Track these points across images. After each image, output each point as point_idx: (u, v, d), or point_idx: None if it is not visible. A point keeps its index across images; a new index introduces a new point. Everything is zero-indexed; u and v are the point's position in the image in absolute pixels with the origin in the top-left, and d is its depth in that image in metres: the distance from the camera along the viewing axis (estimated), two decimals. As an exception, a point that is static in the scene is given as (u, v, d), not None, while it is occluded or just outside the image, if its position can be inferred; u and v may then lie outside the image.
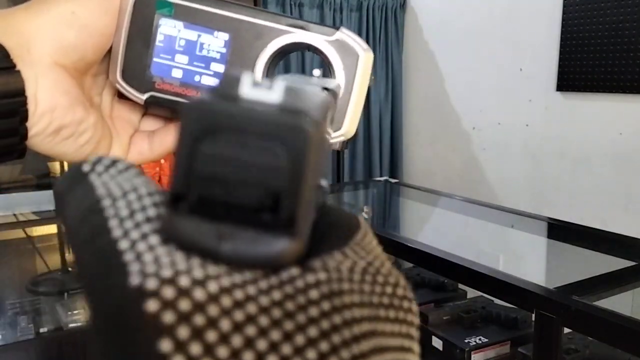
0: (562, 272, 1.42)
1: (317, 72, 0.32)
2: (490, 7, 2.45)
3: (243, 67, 0.32)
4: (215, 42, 0.32)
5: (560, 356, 0.94)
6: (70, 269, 2.03)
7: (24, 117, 0.29)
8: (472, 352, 1.17)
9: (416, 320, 0.16)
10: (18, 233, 1.95)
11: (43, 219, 1.92)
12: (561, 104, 2.20)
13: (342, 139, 0.33)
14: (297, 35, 0.32)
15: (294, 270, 0.13)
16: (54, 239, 2.09)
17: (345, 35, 0.32)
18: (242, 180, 0.13)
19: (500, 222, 1.68)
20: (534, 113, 2.30)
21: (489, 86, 2.48)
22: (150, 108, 0.35)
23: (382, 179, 2.26)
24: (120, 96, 0.34)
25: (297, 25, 0.32)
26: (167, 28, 0.32)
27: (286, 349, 0.12)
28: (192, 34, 0.32)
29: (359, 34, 2.88)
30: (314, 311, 0.13)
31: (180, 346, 0.11)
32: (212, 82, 0.32)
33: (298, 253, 0.13)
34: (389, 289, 0.15)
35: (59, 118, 0.30)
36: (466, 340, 1.19)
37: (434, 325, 1.25)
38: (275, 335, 0.12)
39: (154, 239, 0.13)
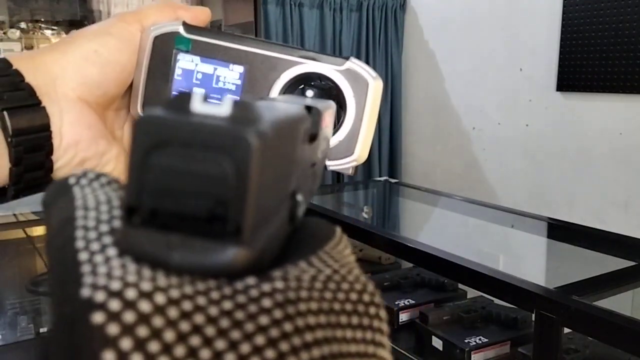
0: (562, 272, 1.42)
1: (309, 92, 0.34)
2: (490, 7, 2.44)
3: (259, 91, 0.34)
4: (230, 75, 0.34)
5: (560, 356, 0.94)
6: None
7: (49, 151, 0.30)
8: (472, 352, 1.17)
9: (384, 326, 0.16)
10: (18, 233, 1.95)
11: (43, 219, 1.91)
12: (561, 104, 2.20)
13: (354, 164, 0.34)
14: (309, 66, 0.33)
15: (250, 280, 0.14)
16: (54, 239, 2.09)
17: (355, 64, 0.33)
18: (191, 191, 0.13)
19: (500, 222, 1.68)
20: (534, 113, 2.30)
21: (489, 86, 2.48)
22: None
23: (382, 179, 2.26)
24: None
25: (308, 56, 0.33)
26: (185, 63, 0.34)
27: (229, 357, 0.12)
28: (208, 68, 0.34)
29: (359, 34, 2.88)
30: (264, 320, 0.13)
31: (122, 357, 0.12)
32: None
33: (249, 262, 0.14)
34: (353, 296, 0.16)
35: (83, 151, 0.32)
36: (466, 340, 1.19)
37: (434, 325, 1.25)
38: (220, 344, 0.12)
39: (112, 251, 0.14)
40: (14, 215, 1.87)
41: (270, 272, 0.15)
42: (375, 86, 0.34)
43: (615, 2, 1.95)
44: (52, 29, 2.07)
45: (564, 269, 1.48)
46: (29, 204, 1.90)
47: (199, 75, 0.34)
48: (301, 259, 0.16)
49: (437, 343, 1.22)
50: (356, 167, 0.35)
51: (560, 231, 1.52)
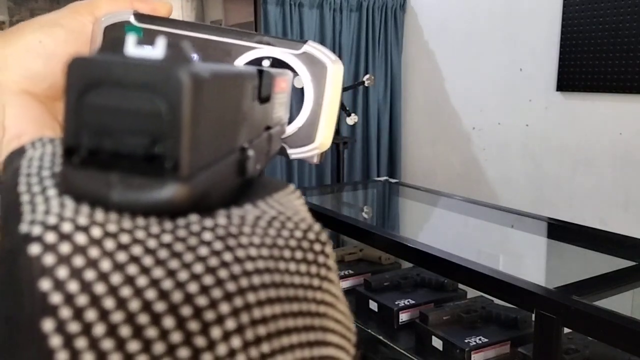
0: (562, 272, 1.42)
1: (265, 62, 0.32)
2: (490, 7, 2.44)
3: None
4: None
5: (560, 356, 0.94)
6: None
7: None
8: (472, 352, 1.17)
9: (330, 262, 0.17)
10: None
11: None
12: (561, 104, 2.20)
13: (317, 151, 0.33)
14: (264, 51, 0.32)
15: (193, 217, 0.14)
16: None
17: (312, 48, 0.32)
18: (127, 130, 0.14)
19: (500, 222, 1.68)
20: (534, 113, 2.30)
21: (489, 86, 2.48)
22: None
23: (381, 179, 2.26)
24: None
25: (263, 41, 0.32)
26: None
27: (167, 284, 0.13)
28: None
29: (359, 34, 2.87)
30: (203, 250, 0.14)
31: (59, 285, 0.12)
32: None
33: (188, 198, 0.14)
34: (298, 233, 0.16)
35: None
36: (466, 340, 1.19)
37: (434, 325, 1.25)
38: (158, 272, 0.13)
39: (52, 192, 0.14)
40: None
41: (215, 211, 0.15)
42: (335, 70, 0.32)
43: (615, 2, 1.95)
44: (52, 29, 2.07)
45: (564, 269, 1.48)
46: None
47: None
48: (247, 202, 0.16)
49: (437, 343, 1.22)
50: (321, 155, 0.33)
51: (560, 231, 1.52)
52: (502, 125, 2.44)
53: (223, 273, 0.14)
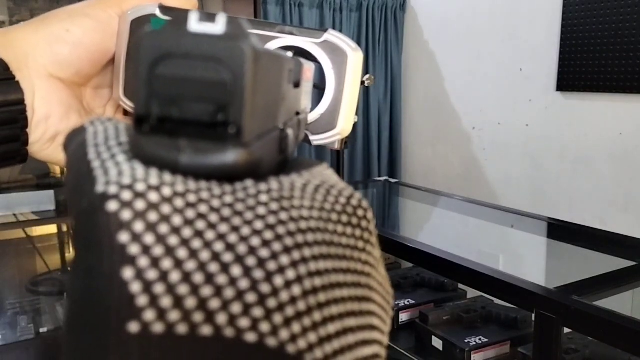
0: (562, 272, 1.42)
1: (289, 53, 0.32)
2: (490, 7, 2.44)
3: None
4: None
5: (560, 356, 0.94)
6: (70, 268, 2.03)
7: (25, 124, 0.31)
8: (472, 352, 1.17)
9: (372, 227, 0.18)
10: (18, 233, 1.95)
11: (43, 219, 1.91)
12: (561, 104, 2.20)
13: (338, 137, 0.34)
14: (286, 40, 0.33)
15: (249, 182, 0.16)
16: (54, 239, 2.09)
17: (333, 36, 0.33)
18: (194, 98, 0.15)
19: (500, 222, 1.68)
20: (534, 113, 2.30)
21: (489, 86, 2.48)
22: None
23: (382, 178, 2.26)
24: (126, 113, 0.35)
25: (285, 31, 0.33)
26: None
27: (232, 238, 0.14)
28: None
29: (359, 34, 2.86)
30: (261, 210, 0.15)
31: (136, 237, 0.13)
32: None
33: (248, 163, 0.15)
34: (342, 200, 0.18)
35: (53, 125, 0.32)
36: (466, 340, 1.19)
37: (434, 325, 1.25)
38: (223, 228, 0.14)
39: (121, 157, 0.16)
40: (14, 215, 1.87)
41: (266, 177, 0.17)
42: (355, 58, 0.33)
43: (615, 2, 1.95)
44: (52, 29, 2.07)
45: (564, 269, 1.48)
46: (29, 204, 1.90)
47: None
48: (293, 173, 0.18)
49: (437, 343, 1.22)
50: (342, 142, 0.34)
51: (560, 231, 1.52)
52: (502, 125, 2.44)
53: (281, 229, 0.15)
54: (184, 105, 0.15)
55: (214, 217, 0.14)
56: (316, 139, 0.34)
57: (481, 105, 2.52)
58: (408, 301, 1.38)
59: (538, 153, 2.30)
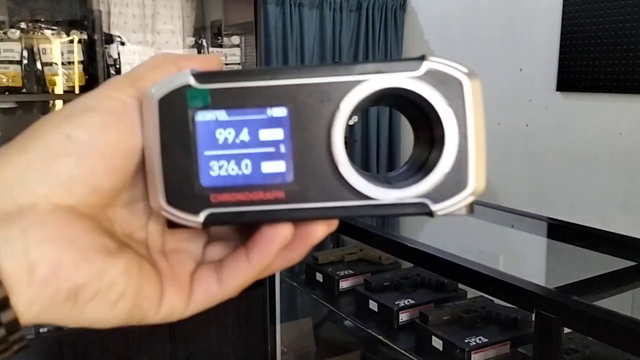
0: (562, 272, 1.42)
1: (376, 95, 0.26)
2: (491, 7, 2.44)
3: (315, 139, 0.25)
4: (271, 122, 0.25)
5: (560, 356, 0.93)
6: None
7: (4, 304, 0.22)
8: (472, 352, 1.16)
9: None
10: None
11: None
12: (561, 104, 2.20)
13: (470, 199, 0.25)
14: (374, 83, 0.25)
15: None
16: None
17: (436, 62, 0.25)
18: None
19: (500, 222, 1.68)
20: (534, 113, 2.30)
21: (489, 86, 2.47)
22: (212, 231, 0.30)
23: (382, 179, 2.25)
24: (172, 225, 0.26)
25: (368, 70, 0.25)
26: (208, 122, 0.25)
27: None
28: (240, 120, 0.25)
29: (358, 34, 2.86)
30: None
31: None
32: (279, 167, 0.25)
33: None
34: None
35: (68, 278, 0.23)
36: (466, 340, 1.19)
37: (434, 325, 1.25)
38: None
39: None
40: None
41: None
42: (474, 86, 0.25)
43: (615, 2, 1.95)
44: (52, 29, 2.07)
45: (564, 269, 1.48)
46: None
47: (230, 135, 0.25)
48: None
49: (437, 343, 1.22)
50: (472, 204, 0.26)
51: (560, 231, 1.52)
52: (502, 125, 2.44)
53: None
54: None
55: None
56: (441, 209, 0.25)
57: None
58: (408, 301, 1.38)
59: (538, 153, 2.30)
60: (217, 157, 0.25)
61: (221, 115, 0.25)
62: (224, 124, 0.25)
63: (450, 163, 0.25)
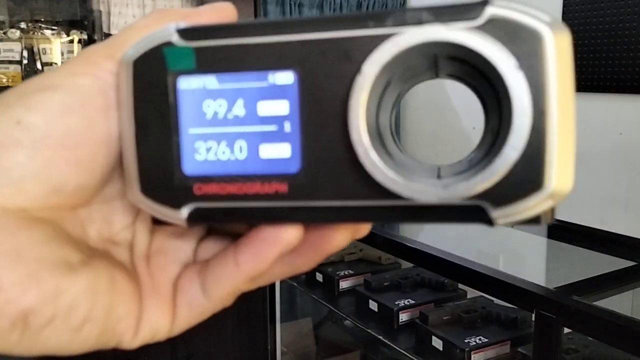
0: (562, 272, 1.42)
1: (424, 54, 0.18)
2: (490, 7, 2.45)
3: (329, 118, 0.19)
4: (274, 91, 0.19)
5: (560, 356, 0.94)
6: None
7: None
8: (472, 352, 1.17)
9: None
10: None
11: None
12: (561, 104, 2.20)
13: (549, 204, 0.18)
14: (411, 37, 0.18)
15: None
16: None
17: (505, 8, 0.17)
18: None
19: (500, 222, 1.67)
20: (534, 113, 2.30)
21: (489, 86, 2.48)
22: (199, 226, 0.23)
23: (382, 179, 2.25)
24: (157, 221, 0.21)
25: (405, 20, 0.18)
26: (193, 91, 0.19)
27: None
28: (234, 89, 0.19)
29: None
30: None
31: None
32: (282, 152, 0.19)
33: None
34: None
35: (11, 302, 0.18)
36: (466, 340, 1.19)
37: (434, 325, 1.25)
38: None
39: None
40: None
41: None
42: (558, 40, 0.17)
43: (615, 2, 1.95)
44: (52, 29, 2.07)
45: (564, 269, 1.48)
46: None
47: (222, 107, 0.19)
48: None
49: (437, 343, 1.22)
50: (552, 212, 0.18)
51: (560, 231, 1.52)
52: (502, 125, 2.44)
53: None
54: None
55: None
56: (503, 215, 0.19)
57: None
58: (408, 301, 1.38)
59: (538, 153, 2.30)
60: (204, 137, 0.19)
61: (210, 82, 0.19)
62: (213, 94, 0.19)
63: (518, 150, 0.17)
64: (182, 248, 0.23)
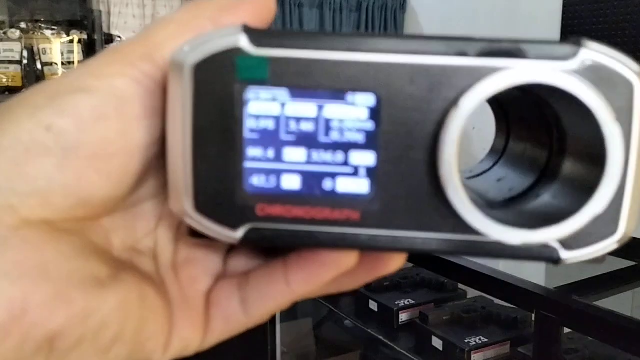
0: (562, 272, 1.42)
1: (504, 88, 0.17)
2: (491, 8, 2.45)
3: (412, 148, 0.18)
4: (351, 113, 0.18)
5: (560, 356, 0.94)
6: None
7: None
8: (472, 352, 1.17)
9: None
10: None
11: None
12: (561, 104, 2.20)
13: (614, 247, 0.18)
14: (516, 74, 0.17)
15: None
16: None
17: (598, 53, 0.17)
18: None
19: (500, 222, 1.68)
20: (534, 113, 2.30)
21: (489, 86, 2.48)
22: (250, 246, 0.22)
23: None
24: (195, 234, 0.20)
25: (502, 51, 0.17)
26: (263, 104, 0.18)
27: None
28: (308, 107, 0.18)
29: (359, 34, 2.87)
30: None
31: None
32: (357, 186, 0.18)
33: None
34: None
35: (39, 325, 0.16)
36: (466, 340, 1.19)
37: (434, 325, 1.25)
38: None
39: None
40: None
41: None
42: None
43: (615, 2, 1.95)
44: (52, 29, 2.07)
45: (564, 269, 1.48)
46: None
47: (292, 125, 0.18)
48: None
49: (437, 343, 1.22)
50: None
51: (560, 231, 1.52)
52: (502, 125, 2.44)
53: None
54: None
55: None
56: (572, 257, 0.18)
57: (481, 105, 2.52)
58: (408, 301, 1.38)
59: (538, 153, 2.30)
60: (271, 155, 0.18)
61: (282, 96, 0.17)
62: (285, 109, 0.18)
63: (605, 203, 0.17)
64: (212, 259, 0.22)
